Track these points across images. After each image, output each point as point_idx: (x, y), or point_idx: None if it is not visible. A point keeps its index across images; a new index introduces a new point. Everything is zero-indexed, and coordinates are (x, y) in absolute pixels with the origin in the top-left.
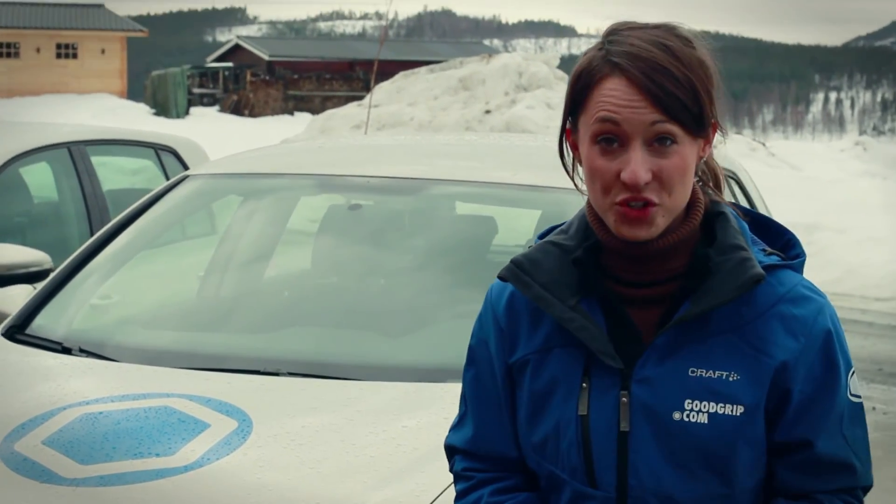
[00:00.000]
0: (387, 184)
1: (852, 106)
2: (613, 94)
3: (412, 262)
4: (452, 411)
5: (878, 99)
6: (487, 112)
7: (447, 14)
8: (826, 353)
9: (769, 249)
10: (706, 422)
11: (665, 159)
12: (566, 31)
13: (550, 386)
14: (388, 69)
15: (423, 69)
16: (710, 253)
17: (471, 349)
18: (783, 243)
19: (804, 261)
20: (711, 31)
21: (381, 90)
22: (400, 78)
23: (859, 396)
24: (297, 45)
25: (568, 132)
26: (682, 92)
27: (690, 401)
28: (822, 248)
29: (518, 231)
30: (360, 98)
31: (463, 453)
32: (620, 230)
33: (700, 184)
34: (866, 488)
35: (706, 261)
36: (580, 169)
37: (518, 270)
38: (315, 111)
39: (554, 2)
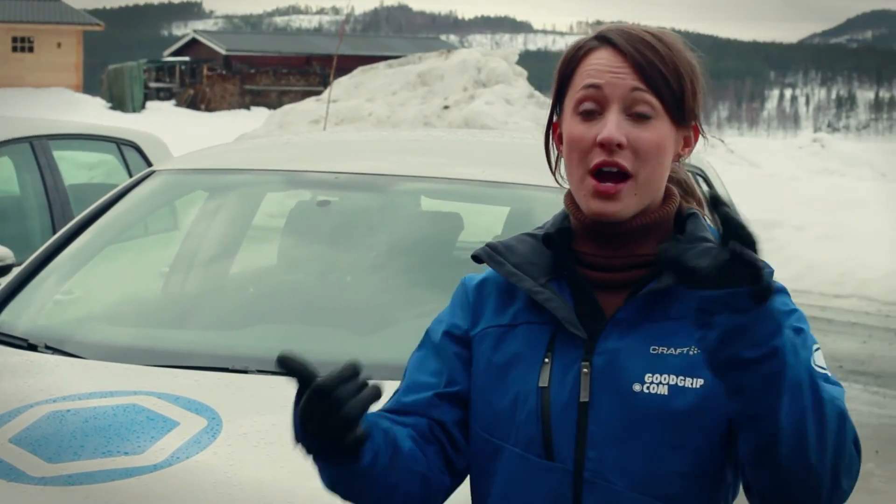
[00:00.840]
0: (354, 180)
1: (807, 103)
2: (599, 62)
3: (378, 258)
4: None
5: (833, 96)
6: (446, 108)
7: (403, 9)
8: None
9: None
10: (666, 393)
11: (642, 130)
12: (522, 27)
13: (512, 359)
14: (346, 64)
15: (382, 64)
16: (678, 238)
17: (427, 332)
18: None
19: (772, 273)
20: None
21: (340, 85)
22: (358, 73)
23: (825, 368)
24: (254, 40)
25: (555, 126)
26: (665, 68)
27: (651, 374)
28: (781, 246)
29: (484, 228)
30: (317, 93)
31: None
32: (591, 206)
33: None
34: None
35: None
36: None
37: (492, 251)
38: (272, 106)
39: None
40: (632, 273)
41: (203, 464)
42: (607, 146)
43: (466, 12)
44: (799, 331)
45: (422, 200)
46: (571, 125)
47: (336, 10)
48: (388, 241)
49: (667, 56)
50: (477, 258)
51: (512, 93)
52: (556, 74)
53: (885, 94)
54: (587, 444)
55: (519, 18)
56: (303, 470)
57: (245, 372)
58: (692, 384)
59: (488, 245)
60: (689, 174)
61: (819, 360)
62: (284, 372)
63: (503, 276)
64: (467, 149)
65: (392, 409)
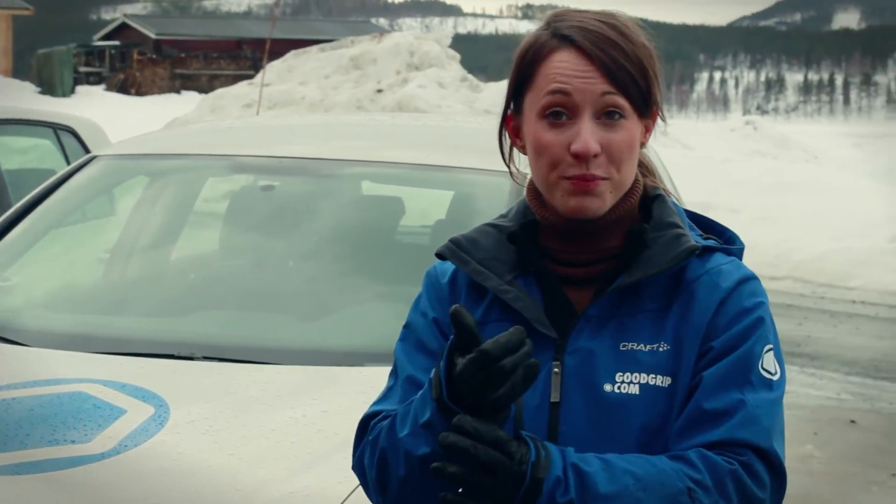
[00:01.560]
0: (297, 164)
1: (736, 86)
2: (564, 65)
3: (320, 244)
4: (371, 395)
5: (762, 79)
6: (379, 91)
7: None
8: (745, 317)
9: (706, 235)
10: (637, 392)
11: (613, 133)
12: (452, 11)
13: None
14: (277, 48)
15: (314, 48)
16: (645, 228)
17: (407, 325)
18: (724, 241)
19: (743, 249)
20: (597, 11)
21: (272, 69)
22: (291, 57)
23: (773, 373)
24: (184, 24)
25: (508, 118)
26: (632, 66)
27: (621, 373)
28: None
29: (426, 212)
30: (248, 77)
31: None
32: (569, 204)
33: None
34: (766, 453)
35: (641, 235)
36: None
37: (455, 248)
38: (202, 90)
39: None
40: (600, 267)
41: (151, 451)
42: (583, 157)
43: None
44: (759, 323)
45: (364, 185)
46: (539, 130)
47: None
48: (329, 226)
49: (631, 53)
50: (441, 256)
51: (445, 76)
52: (514, 70)
53: (813, 76)
54: (558, 444)
55: (448, 2)
56: (253, 458)
57: (191, 359)
58: (661, 382)
59: (452, 241)
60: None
61: (767, 363)
62: (455, 323)
63: (468, 275)
64: (410, 133)
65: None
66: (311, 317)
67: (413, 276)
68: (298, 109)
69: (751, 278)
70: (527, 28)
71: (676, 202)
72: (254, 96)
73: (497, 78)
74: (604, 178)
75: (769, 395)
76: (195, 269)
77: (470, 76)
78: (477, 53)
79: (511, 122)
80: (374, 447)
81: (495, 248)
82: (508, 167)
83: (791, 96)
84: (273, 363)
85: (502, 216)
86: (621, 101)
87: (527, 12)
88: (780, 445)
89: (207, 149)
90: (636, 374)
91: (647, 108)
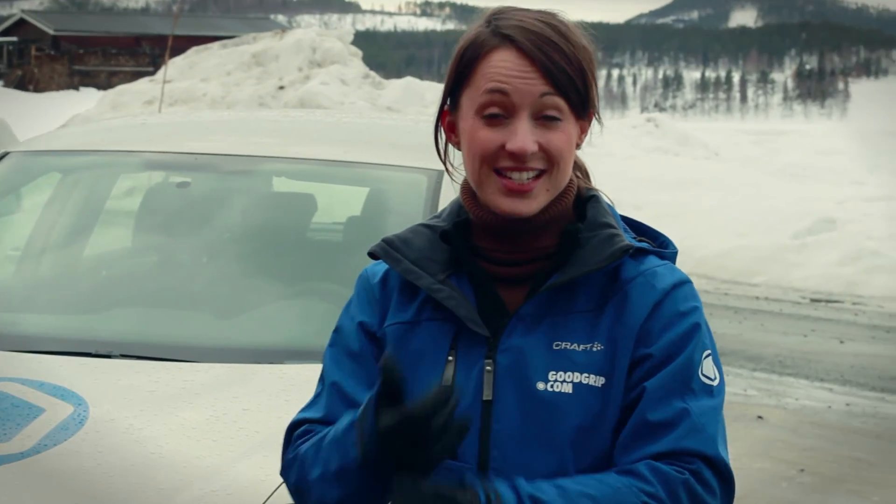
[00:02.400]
0: (211, 161)
1: (634, 83)
2: (503, 65)
3: (232, 240)
4: (292, 393)
5: (660, 76)
6: (281, 88)
7: None
8: (681, 321)
9: (640, 238)
10: (570, 391)
11: (551, 133)
12: (351, 7)
13: (416, 358)
14: (177, 44)
15: (216, 45)
16: (580, 227)
17: (336, 330)
18: (658, 245)
19: (676, 253)
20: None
21: (173, 66)
22: (192, 53)
23: (712, 379)
24: (83, 20)
25: (445, 113)
26: (571, 69)
27: (555, 372)
28: None
29: (340, 209)
30: (148, 73)
31: (316, 422)
32: (501, 205)
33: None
34: (713, 461)
35: (576, 234)
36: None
37: (388, 247)
38: (101, 87)
39: None
40: (533, 266)
41: (72, 451)
42: (519, 156)
43: None
44: (696, 329)
45: (278, 181)
46: (475, 128)
47: None
48: (242, 223)
49: (571, 55)
50: (373, 255)
51: (347, 73)
52: (452, 66)
53: (710, 73)
54: (490, 442)
55: None
56: (174, 456)
57: (108, 357)
58: (595, 382)
59: (384, 240)
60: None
61: (707, 368)
62: (383, 374)
63: (400, 274)
64: (326, 129)
65: (328, 420)
66: (226, 314)
67: (325, 273)
68: (199, 106)
69: (685, 282)
70: (425, 26)
71: (611, 204)
72: (155, 93)
73: (396, 75)
74: (542, 174)
75: (711, 401)
76: (108, 266)
77: (372, 73)
78: (376, 50)
79: (447, 118)
80: (287, 471)
81: (428, 247)
82: (444, 164)
83: (689, 94)
84: (191, 361)
85: (436, 216)
86: (559, 101)
87: (425, 9)
88: (725, 451)
89: (120, 145)
90: (569, 374)
91: (584, 111)
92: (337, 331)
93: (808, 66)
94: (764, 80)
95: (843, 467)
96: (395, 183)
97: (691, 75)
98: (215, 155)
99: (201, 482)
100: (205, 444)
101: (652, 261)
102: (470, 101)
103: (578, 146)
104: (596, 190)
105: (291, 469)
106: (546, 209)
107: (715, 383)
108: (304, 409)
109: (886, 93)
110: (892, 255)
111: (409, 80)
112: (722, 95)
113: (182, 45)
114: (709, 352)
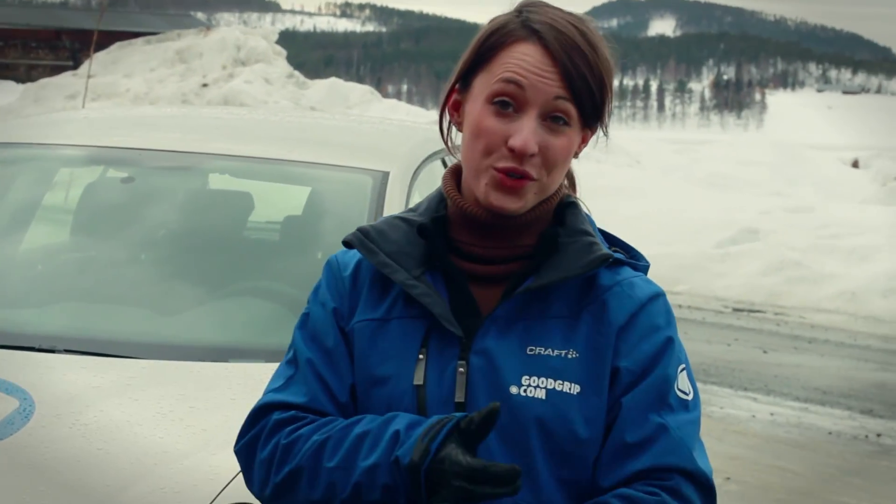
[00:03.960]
0: (151, 157)
1: None
2: (525, 58)
3: (170, 237)
4: (237, 391)
5: None
6: (205, 85)
7: None
8: (656, 335)
9: (614, 248)
10: (543, 397)
11: (554, 138)
12: (271, 7)
13: (386, 356)
14: (98, 39)
15: (140, 40)
16: (559, 232)
17: (306, 313)
18: (630, 257)
19: (648, 266)
20: (416, 10)
21: (97, 61)
22: (115, 49)
23: (687, 393)
24: (1, 12)
25: (453, 91)
26: (592, 78)
27: (528, 377)
28: None
29: (277, 207)
30: (68, 68)
31: (298, 408)
32: (490, 197)
33: None
34: (693, 475)
35: (555, 238)
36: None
37: (363, 237)
38: (20, 80)
39: None
40: (509, 266)
41: (18, 446)
42: (519, 154)
43: None
44: (671, 343)
45: (216, 178)
46: (483, 114)
47: None
48: (180, 220)
49: (594, 64)
50: (348, 244)
51: (272, 72)
52: (473, 48)
53: (629, 81)
54: None
55: None
56: (122, 453)
57: (52, 351)
58: (570, 389)
59: (360, 230)
60: None
61: (682, 383)
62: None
63: (375, 266)
64: (270, 128)
65: (312, 407)
66: (167, 311)
67: (260, 271)
68: (122, 102)
69: (661, 294)
70: (346, 27)
71: (588, 213)
72: (78, 87)
73: (316, 75)
74: (533, 180)
75: (687, 415)
76: (46, 260)
77: (297, 73)
78: (297, 50)
79: (454, 96)
80: (285, 453)
81: (404, 241)
82: (446, 142)
83: None
84: (136, 357)
85: (411, 210)
86: (571, 108)
87: (345, 10)
88: (705, 462)
89: (59, 138)
90: (543, 379)
91: (594, 121)
92: (306, 315)
93: (725, 77)
94: (682, 89)
95: (769, 476)
96: (339, 183)
97: None
98: (158, 151)
99: (149, 478)
100: (152, 441)
101: (627, 271)
102: (483, 85)
103: (576, 155)
104: (576, 197)
105: (285, 452)
106: (530, 210)
107: (690, 397)
108: (277, 391)
109: (803, 105)
110: (814, 266)
111: (334, 81)
112: (640, 104)
113: (104, 40)
114: (683, 366)
